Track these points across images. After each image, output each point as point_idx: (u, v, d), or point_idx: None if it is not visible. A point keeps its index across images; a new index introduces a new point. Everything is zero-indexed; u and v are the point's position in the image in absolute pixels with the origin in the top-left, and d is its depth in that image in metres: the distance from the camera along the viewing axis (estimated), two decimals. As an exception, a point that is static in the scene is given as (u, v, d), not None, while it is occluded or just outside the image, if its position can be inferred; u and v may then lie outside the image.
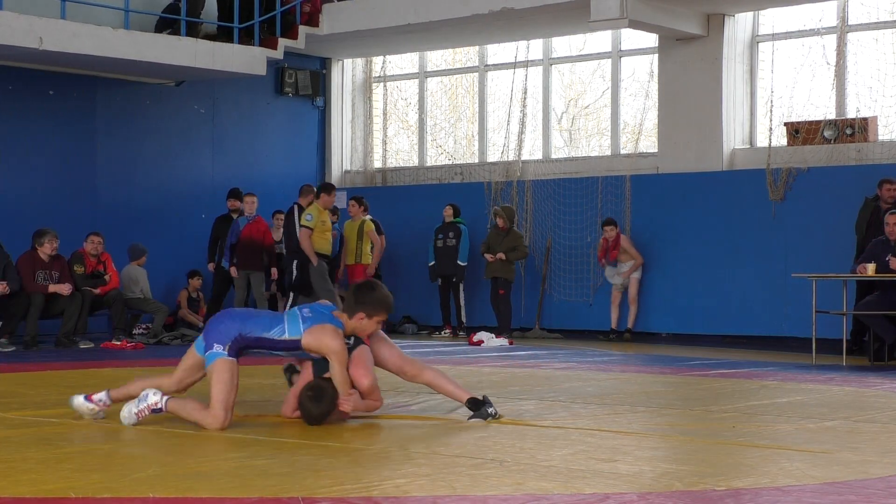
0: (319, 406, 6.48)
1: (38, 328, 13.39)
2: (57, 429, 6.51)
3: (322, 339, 6.54)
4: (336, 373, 6.55)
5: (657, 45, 16.18)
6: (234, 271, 15.47)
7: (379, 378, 6.94)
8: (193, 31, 16.19)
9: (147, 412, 6.59)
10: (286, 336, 6.56)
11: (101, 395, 6.79)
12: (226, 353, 6.53)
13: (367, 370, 6.68)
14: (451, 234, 16.24)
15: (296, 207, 15.28)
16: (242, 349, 6.60)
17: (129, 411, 6.62)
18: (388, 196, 17.65)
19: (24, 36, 13.99)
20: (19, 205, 15.24)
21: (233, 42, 16.29)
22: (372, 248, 16.18)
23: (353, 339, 6.73)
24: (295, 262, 15.13)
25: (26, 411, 7.25)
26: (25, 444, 5.93)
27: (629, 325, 15.74)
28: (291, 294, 14.93)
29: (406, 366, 6.97)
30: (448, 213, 16.39)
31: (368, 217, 16.35)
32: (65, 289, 13.42)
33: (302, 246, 14.63)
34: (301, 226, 14.68)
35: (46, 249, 13.47)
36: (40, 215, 14.88)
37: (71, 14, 14.76)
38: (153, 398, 6.60)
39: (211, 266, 15.84)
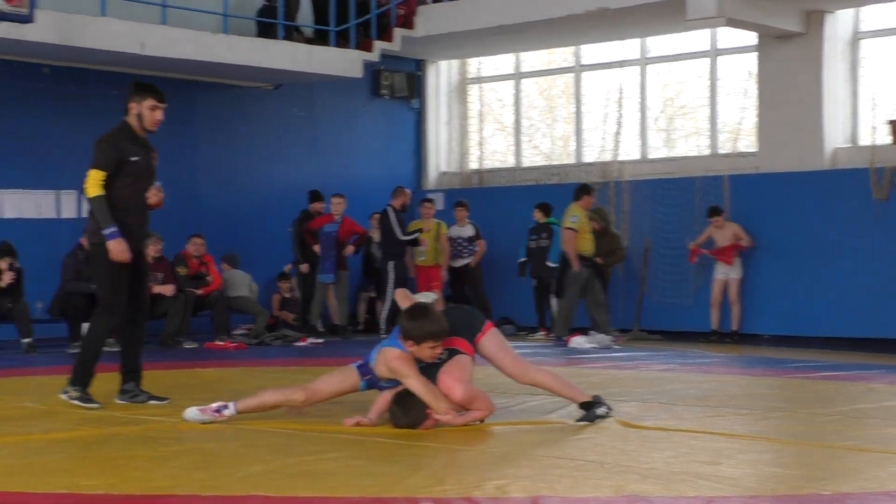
0: (407, 416, 6.40)
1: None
2: (164, 427, 6.63)
3: (386, 364, 6.46)
4: (418, 392, 6.40)
5: (756, 43, 15.96)
6: (305, 268, 15.67)
7: (479, 379, 6.93)
8: (289, 34, 16.37)
9: (210, 413, 6.67)
10: (371, 364, 6.58)
11: (227, 408, 6.71)
12: (357, 368, 6.65)
13: (458, 381, 6.47)
14: (543, 235, 16.13)
15: (390, 209, 15.34)
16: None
17: (191, 411, 6.69)
18: (485, 197, 17.64)
19: (126, 41, 14.26)
20: (123, 208, 15.52)
21: (329, 45, 16.44)
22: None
23: (447, 351, 6.57)
24: (391, 263, 15.20)
25: (134, 410, 7.40)
26: (133, 442, 6.05)
27: (733, 327, 15.49)
28: (389, 297, 14.98)
29: (518, 368, 6.85)
30: (537, 215, 16.27)
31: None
32: (169, 290, 13.66)
33: (565, 248, 14.43)
34: (566, 228, 14.54)
35: (150, 251, 13.70)
36: (143, 218, 15.14)
37: (172, 19, 15.01)
38: (218, 403, 6.70)
39: (305, 267, 15.83)
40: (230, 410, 6.67)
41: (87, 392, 7.51)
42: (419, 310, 6.50)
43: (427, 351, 6.44)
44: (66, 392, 7.51)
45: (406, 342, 6.44)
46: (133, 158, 7.56)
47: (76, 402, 7.42)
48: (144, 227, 7.76)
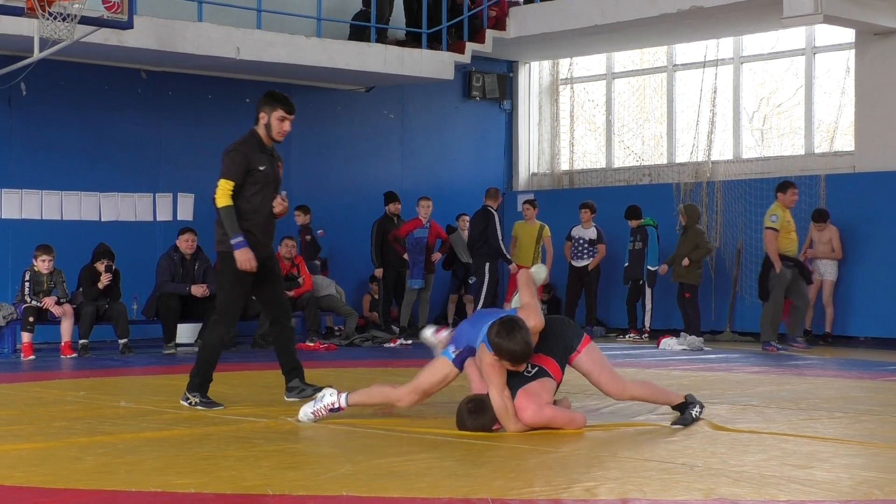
0: (476, 421, 6.42)
1: (237, 330, 13.80)
2: (254, 427, 6.71)
3: (479, 364, 6.49)
4: (494, 405, 6.40)
5: (854, 40, 15.68)
6: (379, 272, 15.72)
7: (568, 382, 6.91)
8: (382, 37, 16.49)
9: (324, 412, 6.76)
10: (468, 344, 6.63)
11: (339, 400, 6.81)
12: (453, 356, 6.67)
13: (531, 402, 6.40)
14: (638, 238, 16.02)
15: (494, 213, 15.36)
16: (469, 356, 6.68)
17: (304, 412, 6.79)
18: (576, 198, 17.54)
19: (222, 46, 14.47)
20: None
21: (421, 48, 16.51)
22: (544, 255, 16.16)
23: (537, 367, 6.52)
24: (487, 265, 15.20)
25: (225, 410, 7.49)
26: (225, 442, 6.13)
27: (827, 329, 15.23)
28: (483, 297, 14.99)
29: (615, 385, 6.77)
30: (631, 221, 16.10)
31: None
32: (262, 292, 13.81)
33: (768, 249, 13.93)
34: (766, 227, 13.92)
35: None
36: (237, 220, 15.35)
37: (266, 24, 15.19)
38: (330, 399, 6.77)
39: (379, 271, 15.82)
40: (341, 402, 6.77)
41: (206, 396, 7.65)
42: (509, 326, 6.30)
43: (508, 366, 6.40)
44: (185, 399, 7.63)
45: (490, 350, 6.41)
46: (260, 168, 7.67)
47: (199, 408, 7.53)
48: (271, 235, 7.85)
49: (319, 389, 7.73)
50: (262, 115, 7.73)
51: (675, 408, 6.81)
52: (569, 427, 6.48)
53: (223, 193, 7.59)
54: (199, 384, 7.63)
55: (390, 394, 6.77)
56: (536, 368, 6.51)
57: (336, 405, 6.78)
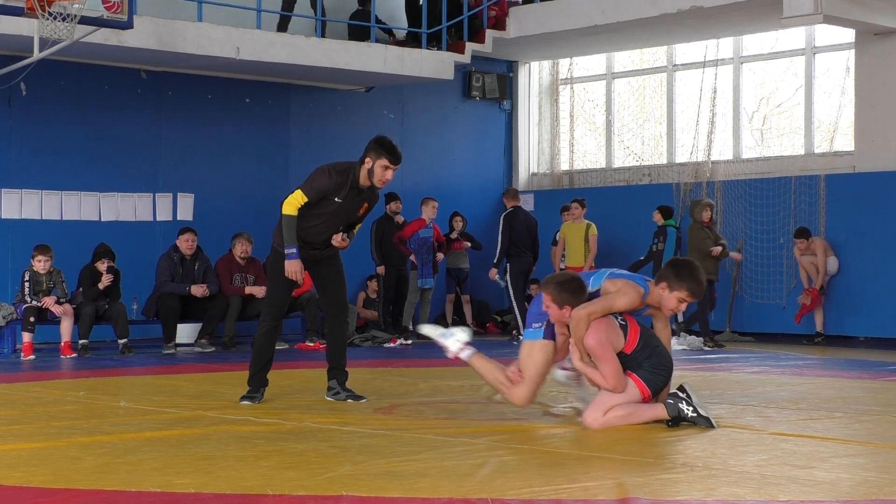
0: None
1: (235, 329, 13.81)
2: (254, 427, 6.71)
3: (620, 286, 6.64)
4: (580, 307, 6.55)
5: (854, 40, 15.68)
6: (381, 270, 15.72)
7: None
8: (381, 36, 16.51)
9: (455, 346, 7.14)
10: (590, 289, 6.73)
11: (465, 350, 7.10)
12: (542, 333, 6.80)
13: (597, 335, 6.53)
14: (660, 238, 15.82)
15: (515, 210, 15.41)
16: None
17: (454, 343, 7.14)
18: (575, 198, 17.56)
19: (222, 46, 14.47)
20: (218, 210, 15.75)
21: (421, 48, 16.51)
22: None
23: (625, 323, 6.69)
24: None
25: (225, 410, 7.50)
26: (225, 442, 6.13)
27: (818, 329, 15.25)
28: (514, 305, 15.15)
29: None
30: (656, 216, 16.00)
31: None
32: (260, 291, 13.80)
33: None
34: None
35: (237, 251, 13.90)
36: (237, 219, 15.38)
37: (266, 24, 15.19)
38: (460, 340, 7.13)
39: (381, 269, 15.81)
40: (466, 354, 7.06)
41: (251, 392, 7.98)
42: (689, 263, 6.81)
43: (674, 302, 6.69)
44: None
45: (661, 284, 6.68)
46: (336, 199, 7.77)
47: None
48: (327, 244, 7.97)
49: (354, 396, 8.02)
50: (367, 159, 7.81)
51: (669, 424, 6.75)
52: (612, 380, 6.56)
53: (292, 203, 7.78)
54: (249, 380, 8.01)
55: (509, 393, 6.90)
56: (624, 323, 6.72)
57: (467, 347, 7.11)
